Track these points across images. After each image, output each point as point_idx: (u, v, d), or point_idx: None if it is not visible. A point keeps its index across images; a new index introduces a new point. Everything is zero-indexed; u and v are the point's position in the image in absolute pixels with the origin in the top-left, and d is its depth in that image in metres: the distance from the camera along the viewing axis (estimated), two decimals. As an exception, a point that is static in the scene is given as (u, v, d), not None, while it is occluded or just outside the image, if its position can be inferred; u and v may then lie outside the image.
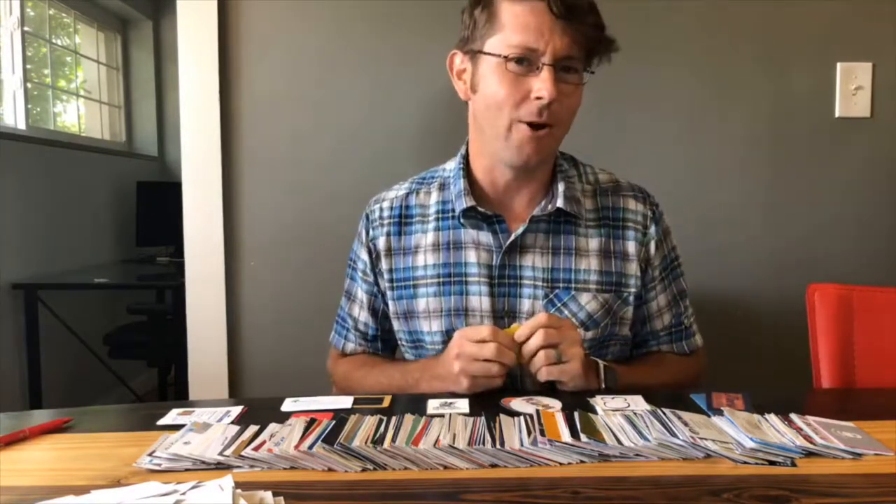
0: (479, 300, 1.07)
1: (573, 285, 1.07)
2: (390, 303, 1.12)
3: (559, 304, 1.06)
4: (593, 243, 1.08)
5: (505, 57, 0.98)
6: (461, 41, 1.05)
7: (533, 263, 1.07)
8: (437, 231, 1.10)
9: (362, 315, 1.17)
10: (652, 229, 1.11)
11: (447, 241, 1.09)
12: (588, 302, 1.07)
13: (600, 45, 1.00)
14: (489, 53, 1.00)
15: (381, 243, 1.12)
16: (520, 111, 0.98)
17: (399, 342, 1.16)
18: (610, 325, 1.08)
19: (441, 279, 1.08)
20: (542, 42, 0.96)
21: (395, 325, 1.13)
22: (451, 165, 1.14)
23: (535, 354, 0.95)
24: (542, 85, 0.96)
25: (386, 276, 1.12)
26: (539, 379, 0.95)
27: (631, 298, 1.10)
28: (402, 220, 1.13)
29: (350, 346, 1.19)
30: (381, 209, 1.14)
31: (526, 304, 1.06)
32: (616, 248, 1.09)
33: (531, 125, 0.99)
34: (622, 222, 1.10)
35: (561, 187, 1.07)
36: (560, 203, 1.06)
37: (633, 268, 1.09)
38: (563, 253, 1.07)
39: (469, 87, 1.05)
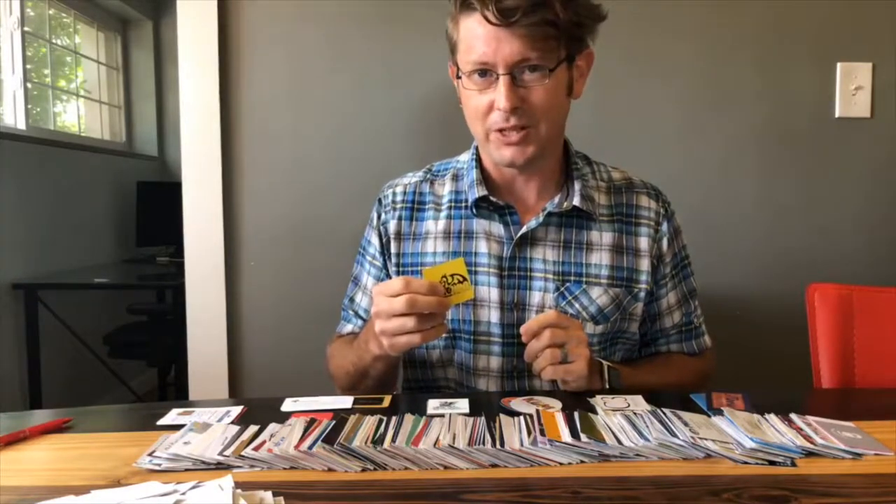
0: (488, 291, 1.07)
1: (584, 279, 1.07)
2: None
3: (570, 298, 1.07)
4: (606, 238, 1.09)
5: (466, 74, 0.99)
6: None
7: (544, 256, 1.07)
8: (448, 219, 1.11)
9: (364, 301, 1.17)
10: (664, 226, 1.12)
11: (458, 231, 1.10)
12: (599, 296, 1.07)
13: (566, 32, 0.96)
14: (458, 68, 1.02)
15: (392, 227, 1.13)
16: (489, 121, 1.00)
17: None
18: (620, 320, 1.09)
19: None
20: (491, 53, 0.95)
21: None
22: (465, 157, 1.15)
23: (540, 352, 0.94)
24: (498, 96, 0.96)
25: (393, 259, 1.13)
26: (543, 378, 0.95)
27: (641, 294, 1.10)
28: (415, 205, 1.14)
29: (348, 328, 1.19)
30: (395, 193, 1.16)
31: (536, 297, 1.07)
32: (628, 243, 1.10)
33: (502, 131, 1.00)
34: (635, 219, 1.11)
35: (577, 185, 1.08)
36: (577, 201, 1.07)
37: (645, 264, 1.10)
38: (575, 247, 1.08)
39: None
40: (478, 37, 0.96)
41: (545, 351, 0.94)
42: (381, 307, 0.90)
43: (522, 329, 0.96)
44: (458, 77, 1.03)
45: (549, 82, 0.97)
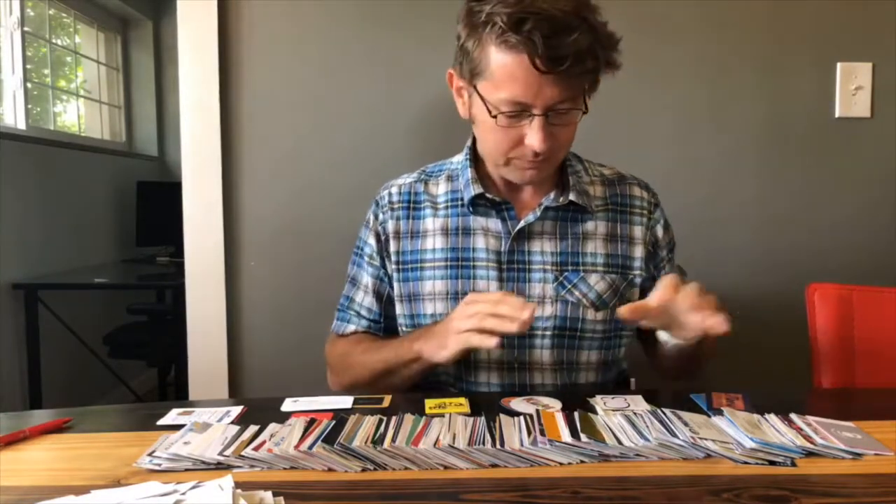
0: (487, 284, 1.09)
1: (581, 267, 1.10)
2: (395, 285, 1.14)
3: (569, 286, 1.09)
4: (600, 228, 1.12)
5: (494, 108, 0.96)
6: (456, 63, 1.02)
7: (542, 248, 1.10)
8: (446, 217, 1.13)
9: (366, 300, 1.18)
10: (657, 213, 1.16)
11: (456, 227, 1.12)
12: (597, 282, 1.10)
13: (597, 73, 0.98)
14: (482, 97, 0.98)
15: (391, 227, 1.15)
16: (514, 153, 1.01)
17: (399, 327, 1.16)
18: (618, 306, 1.09)
19: (449, 263, 1.10)
20: (531, 95, 0.94)
21: (398, 308, 1.14)
22: (459, 158, 1.17)
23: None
24: (533, 137, 0.96)
25: (393, 258, 1.14)
26: (720, 330, 0.90)
27: (637, 280, 1.13)
28: (412, 205, 1.15)
29: (350, 328, 1.19)
30: (391, 194, 1.17)
31: (536, 288, 1.09)
32: (622, 232, 1.13)
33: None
34: (629, 208, 1.14)
35: (572, 181, 1.11)
36: (573, 196, 1.09)
37: (639, 251, 1.13)
38: (571, 238, 1.11)
39: (467, 109, 1.05)
40: (517, 78, 0.93)
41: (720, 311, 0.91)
42: (480, 307, 0.93)
43: (657, 301, 0.93)
44: (470, 85, 1.00)
45: (576, 120, 0.99)
